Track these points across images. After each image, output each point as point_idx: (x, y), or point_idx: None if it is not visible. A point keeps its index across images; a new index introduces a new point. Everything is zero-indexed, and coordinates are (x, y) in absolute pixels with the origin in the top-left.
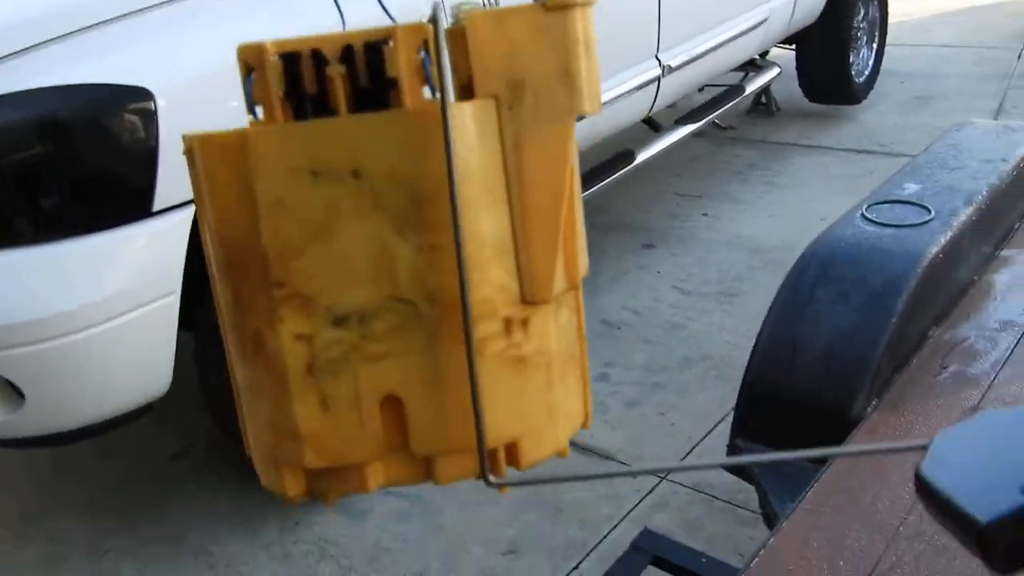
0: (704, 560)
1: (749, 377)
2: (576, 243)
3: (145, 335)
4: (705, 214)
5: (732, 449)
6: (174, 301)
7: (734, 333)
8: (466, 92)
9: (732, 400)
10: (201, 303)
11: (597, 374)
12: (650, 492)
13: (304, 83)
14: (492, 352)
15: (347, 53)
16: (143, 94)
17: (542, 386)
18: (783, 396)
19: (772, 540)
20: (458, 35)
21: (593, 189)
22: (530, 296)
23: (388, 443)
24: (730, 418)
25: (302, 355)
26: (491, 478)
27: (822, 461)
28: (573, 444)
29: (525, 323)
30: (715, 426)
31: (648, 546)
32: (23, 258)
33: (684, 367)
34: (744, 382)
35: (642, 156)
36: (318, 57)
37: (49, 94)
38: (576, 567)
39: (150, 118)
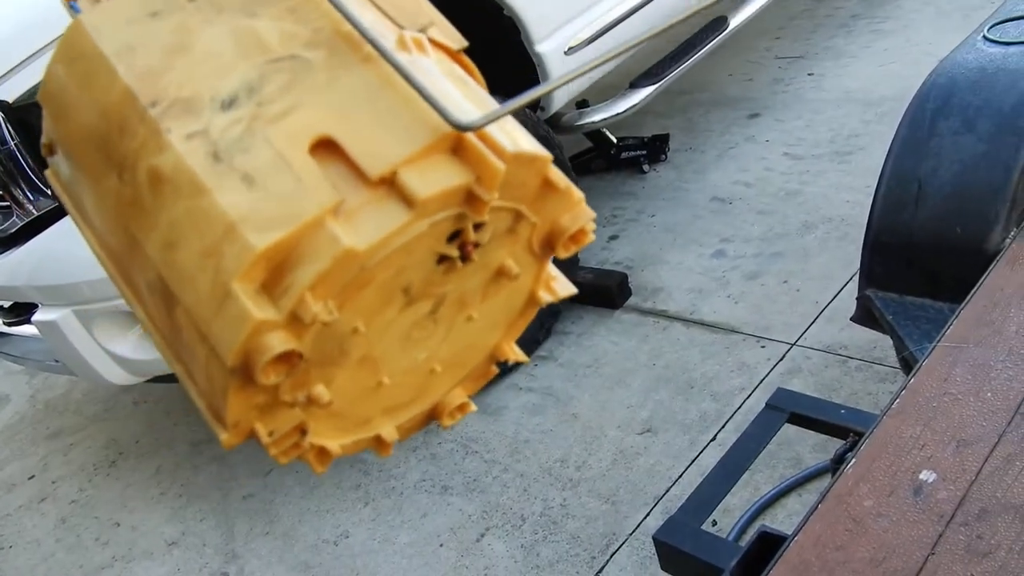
0: (843, 411)
1: (873, 223)
2: None
3: None
4: (810, 74)
5: (862, 301)
6: None
7: (853, 191)
8: None
9: (858, 258)
10: None
11: (713, 251)
12: (781, 359)
13: None
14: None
15: None
16: None
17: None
18: (912, 238)
19: (912, 380)
20: None
21: (688, 62)
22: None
23: (337, 183)
24: (857, 278)
25: (201, 147)
26: (462, 123)
27: (959, 300)
28: (700, 323)
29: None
30: (842, 287)
31: (783, 404)
32: None
33: (803, 232)
34: (868, 230)
35: (735, 21)
36: None
37: None
38: (714, 438)
39: None
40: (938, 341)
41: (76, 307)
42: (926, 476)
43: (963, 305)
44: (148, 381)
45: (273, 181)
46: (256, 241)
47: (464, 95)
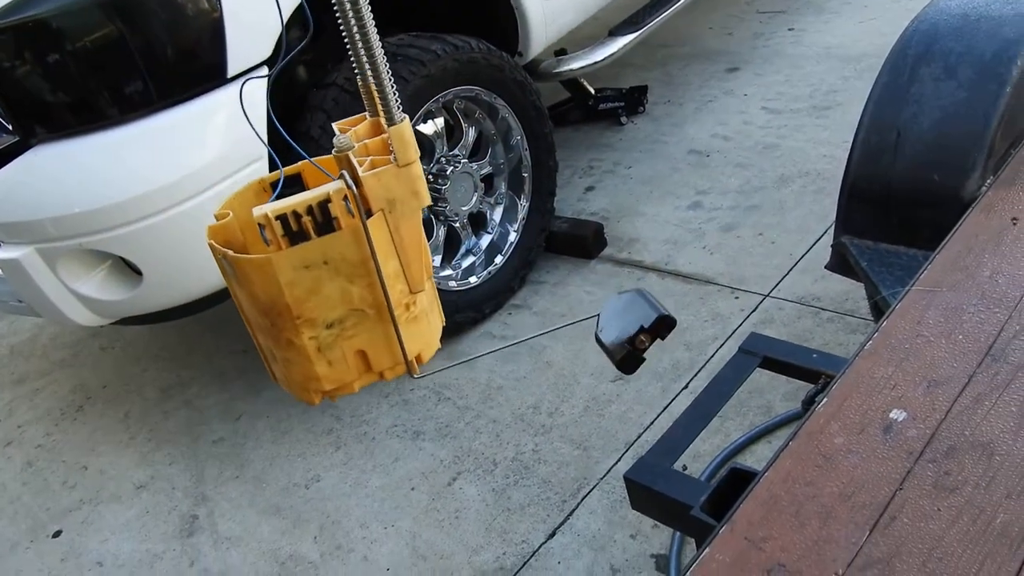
0: (816, 356)
1: (851, 170)
2: (427, 259)
3: None
4: (791, 29)
5: (837, 248)
6: (263, 167)
7: (831, 146)
8: (367, 210)
9: (834, 212)
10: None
11: (689, 203)
12: (754, 310)
13: (291, 227)
14: (404, 319)
15: (310, 208)
16: None
17: (425, 324)
18: (889, 185)
19: (885, 322)
20: (359, 183)
21: (669, 11)
22: (414, 289)
23: (361, 369)
24: (832, 231)
25: (314, 344)
26: (416, 373)
27: (933, 248)
28: (675, 274)
29: (415, 301)
30: (817, 240)
31: (756, 349)
32: (116, 137)
33: (780, 185)
34: (846, 176)
35: None
36: (295, 213)
37: None
38: (686, 386)
39: None
40: (912, 284)
41: (39, 245)
42: (896, 415)
43: (938, 250)
44: (115, 323)
45: (339, 364)
46: (326, 387)
47: (425, 331)
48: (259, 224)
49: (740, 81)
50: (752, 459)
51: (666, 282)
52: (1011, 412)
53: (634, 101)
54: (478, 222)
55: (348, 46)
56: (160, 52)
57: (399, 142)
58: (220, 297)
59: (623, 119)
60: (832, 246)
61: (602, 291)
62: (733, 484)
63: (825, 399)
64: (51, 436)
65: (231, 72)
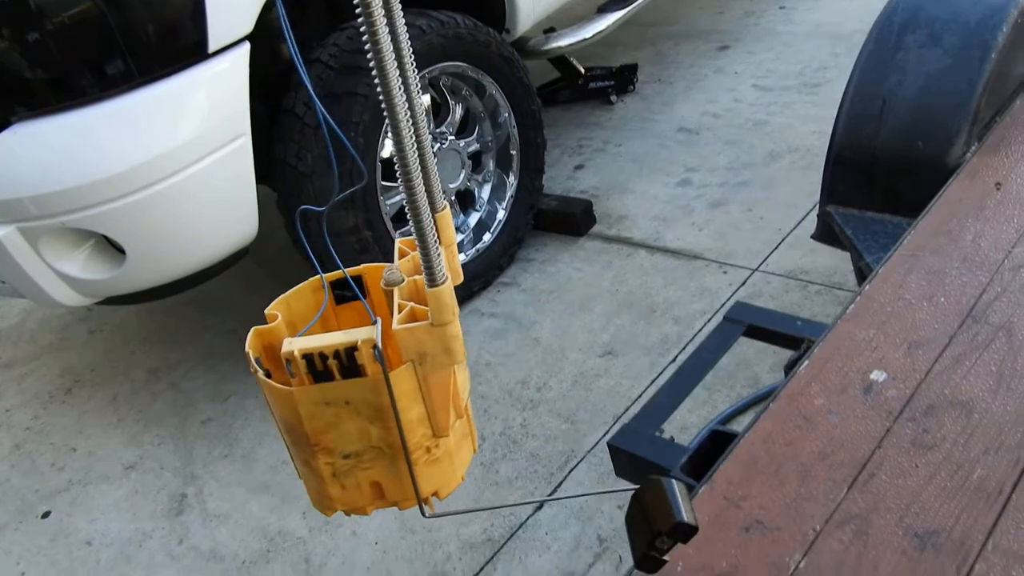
0: (800, 323)
1: (836, 139)
2: (459, 404)
3: (225, 178)
4: (782, 7)
5: (823, 218)
6: (246, 143)
7: (820, 122)
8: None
9: None
10: (268, 152)
11: (679, 180)
12: (743, 284)
13: (316, 366)
14: (422, 460)
15: (336, 353)
16: None
17: (447, 464)
18: (874, 153)
19: (868, 286)
20: (390, 332)
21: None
22: (438, 434)
23: (374, 497)
24: None
25: (329, 469)
26: (426, 513)
27: (918, 214)
28: (664, 250)
29: (437, 444)
30: (806, 215)
31: (741, 317)
32: (95, 114)
33: (769, 162)
34: (831, 145)
35: None
36: (322, 355)
37: None
38: (673, 360)
39: None
40: (896, 249)
41: (21, 224)
42: (877, 376)
43: (922, 215)
44: (99, 303)
45: (352, 491)
46: (338, 508)
47: (447, 470)
48: (285, 359)
49: (730, 59)
50: (739, 429)
51: (655, 258)
52: (990, 371)
53: (624, 80)
54: (466, 200)
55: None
56: (140, 28)
57: (436, 303)
58: (204, 276)
59: (613, 98)
60: (818, 215)
61: (591, 268)
62: (714, 446)
63: (807, 362)
64: (39, 419)
65: (212, 48)
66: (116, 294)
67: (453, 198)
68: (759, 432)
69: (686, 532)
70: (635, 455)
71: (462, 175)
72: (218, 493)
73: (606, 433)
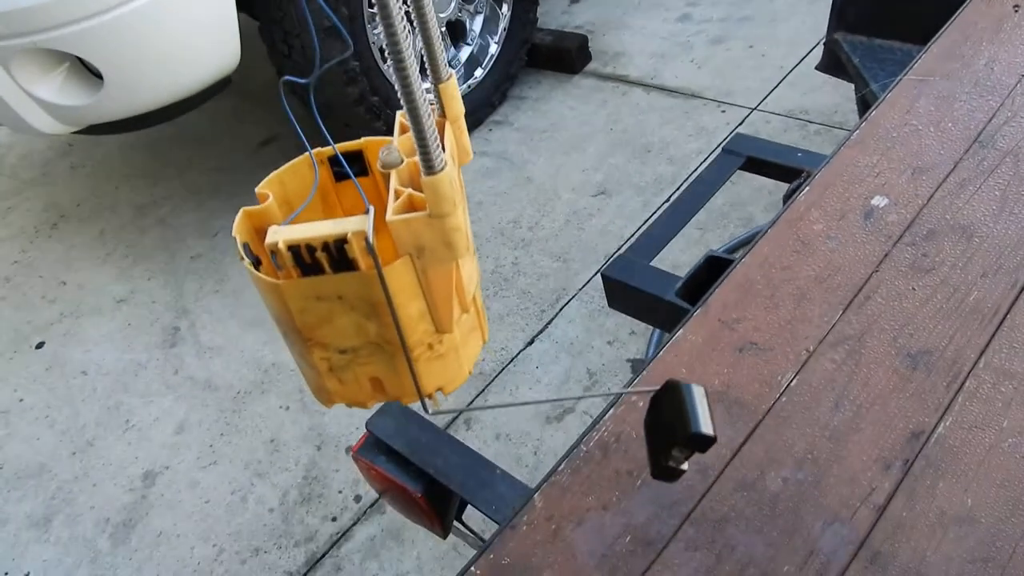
0: (800, 154)
1: None
2: (465, 298)
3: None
4: None
5: (829, 46)
6: None
7: None
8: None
9: (827, 23)
10: None
11: (679, 15)
12: (741, 123)
13: (304, 259)
14: (424, 357)
15: (325, 245)
16: None
17: (452, 360)
18: None
19: (874, 112)
20: (384, 224)
21: None
22: (440, 330)
23: (375, 392)
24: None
25: (326, 364)
26: (430, 410)
27: (927, 40)
28: (661, 88)
29: (440, 340)
30: (808, 52)
31: (740, 148)
32: None
33: None
34: None
35: None
36: (309, 246)
37: None
38: (667, 200)
39: None
40: (906, 73)
41: None
42: (878, 201)
43: (935, 38)
44: (80, 133)
45: (351, 385)
46: (336, 401)
47: (451, 366)
48: (270, 251)
49: None
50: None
51: (651, 96)
52: (994, 196)
53: None
54: (457, 32)
55: (397, 90)
56: None
57: (433, 194)
58: (186, 106)
59: None
60: (824, 44)
61: (586, 106)
62: (709, 271)
63: (807, 188)
64: (26, 252)
65: None
66: (95, 122)
67: (443, 29)
68: (756, 256)
69: (704, 443)
70: (628, 285)
71: (452, 4)
72: (211, 327)
73: (597, 271)
